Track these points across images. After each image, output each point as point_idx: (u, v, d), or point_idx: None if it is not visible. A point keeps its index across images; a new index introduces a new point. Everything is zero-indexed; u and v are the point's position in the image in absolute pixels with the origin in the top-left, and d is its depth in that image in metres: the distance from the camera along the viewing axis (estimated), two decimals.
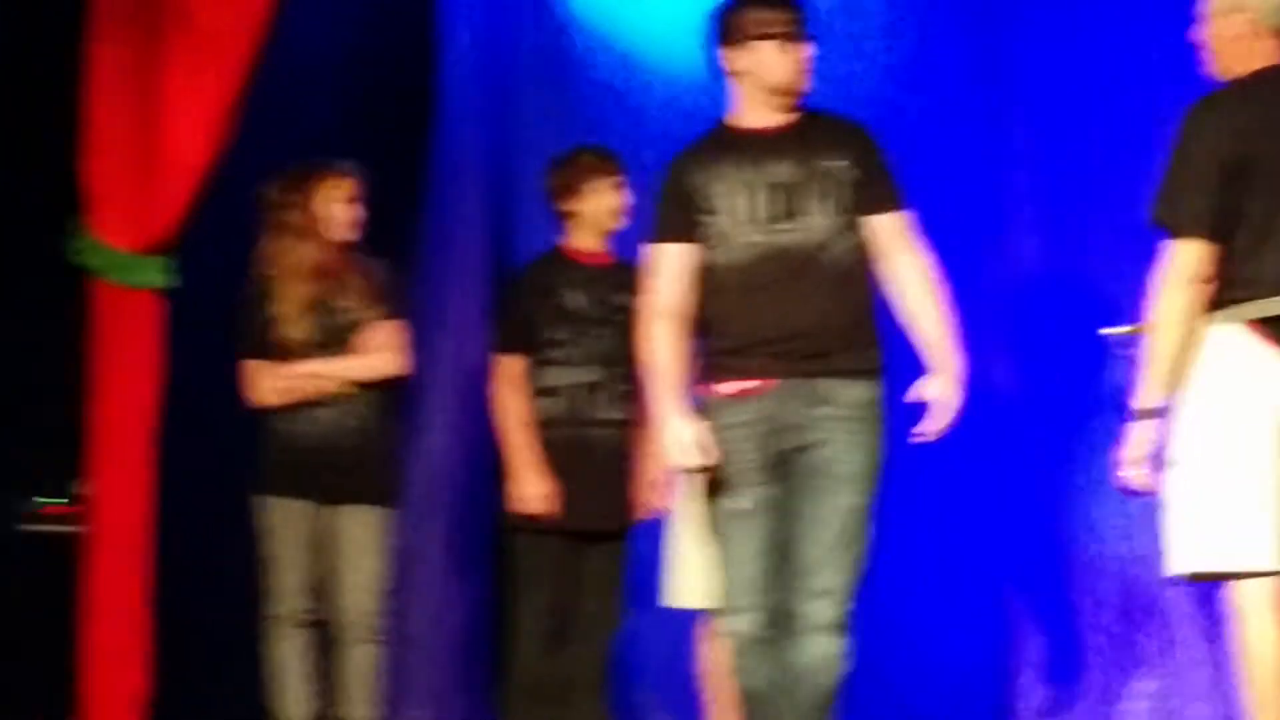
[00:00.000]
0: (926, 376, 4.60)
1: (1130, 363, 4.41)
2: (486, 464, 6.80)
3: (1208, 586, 4.37)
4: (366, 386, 5.76)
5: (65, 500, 6.38)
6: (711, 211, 4.63)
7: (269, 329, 5.75)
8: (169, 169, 5.83)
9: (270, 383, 5.74)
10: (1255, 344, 4.22)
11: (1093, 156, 6.52)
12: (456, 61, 6.93)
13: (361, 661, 5.77)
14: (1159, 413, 4.28)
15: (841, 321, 4.60)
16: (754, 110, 4.69)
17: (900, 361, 4.66)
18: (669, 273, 4.67)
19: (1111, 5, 6.52)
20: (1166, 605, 6.32)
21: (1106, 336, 4.67)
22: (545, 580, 5.84)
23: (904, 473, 4.69)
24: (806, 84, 4.68)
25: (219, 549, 6.07)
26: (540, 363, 5.86)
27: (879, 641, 5.91)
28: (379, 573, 5.77)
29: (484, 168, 6.96)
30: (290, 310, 5.75)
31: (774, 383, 4.58)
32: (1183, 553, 4.27)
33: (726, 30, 4.68)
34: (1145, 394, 4.27)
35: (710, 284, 4.65)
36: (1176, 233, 4.25)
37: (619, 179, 5.92)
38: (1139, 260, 4.59)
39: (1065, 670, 6.56)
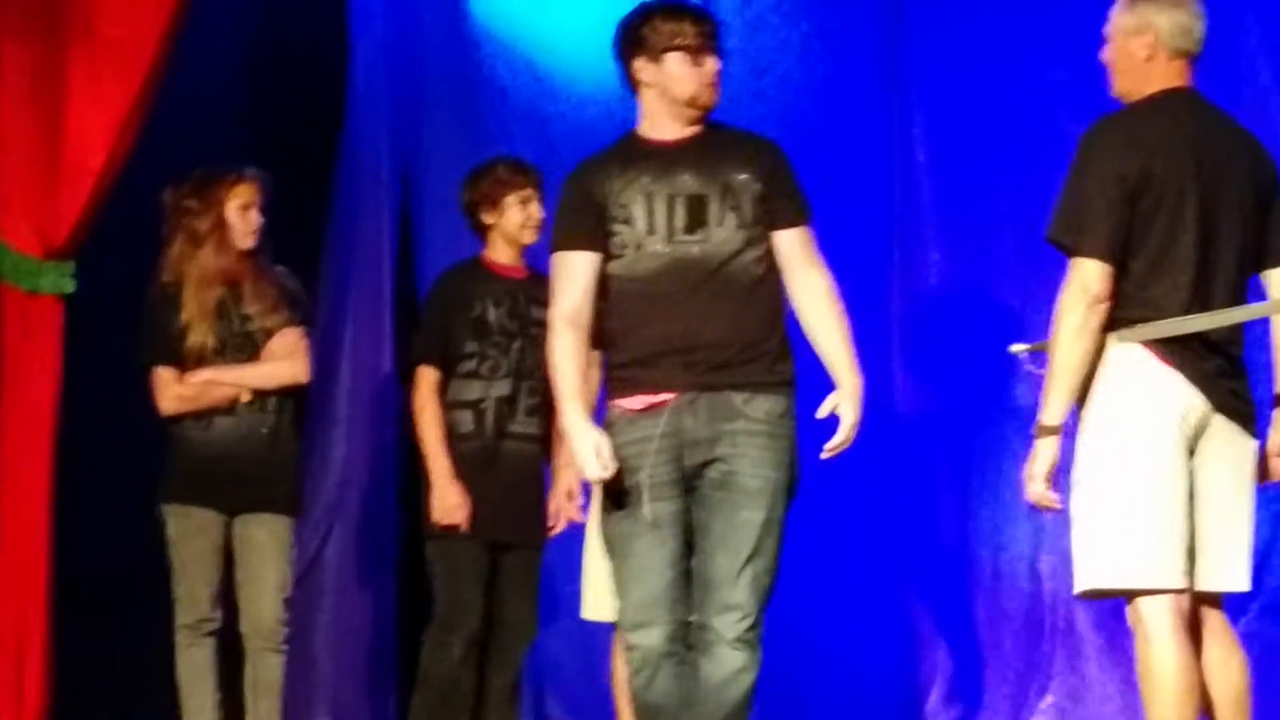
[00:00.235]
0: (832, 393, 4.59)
1: (1036, 379, 4.42)
2: (391, 472, 6.79)
3: (1115, 601, 4.38)
4: (271, 394, 5.72)
5: None
6: (625, 221, 4.60)
7: (174, 336, 5.70)
8: (72, 173, 5.76)
9: (175, 390, 5.69)
10: (1155, 363, 4.23)
11: (997, 173, 6.56)
12: (365, 70, 6.92)
13: (268, 671, 5.72)
14: (1062, 430, 4.29)
15: (751, 333, 4.57)
16: (661, 122, 4.67)
17: (810, 375, 4.66)
18: (573, 281, 4.62)
19: (1018, 25, 6.56)
20: (1074, 619, 6.35)
21: (1012, 353, 4.67)
22: (461, 590, 5.81)
23: (811, 487, 4.68)
24: (714, 98, 4.66)
25: (121, 558, 6.02)
26: (458, 375, 5.84)
27: (788, 656, 5.91)
28: (285, 581, 5.74)
29: (390, 177, 6.95)
30: (195, 317, 5.70)
31: (682, 395, 4.55)
32: (1087, 570, 4.28)
33: (636, 41, 4.66)
34: (1048, 411, 4.27)
35: (617, 294, 4.61)
36: (1076, 251, 4.24)
37: (535, 192, 5.90)
38: (1044, 276, 4.60)
39: (973, 684, 6.58)
